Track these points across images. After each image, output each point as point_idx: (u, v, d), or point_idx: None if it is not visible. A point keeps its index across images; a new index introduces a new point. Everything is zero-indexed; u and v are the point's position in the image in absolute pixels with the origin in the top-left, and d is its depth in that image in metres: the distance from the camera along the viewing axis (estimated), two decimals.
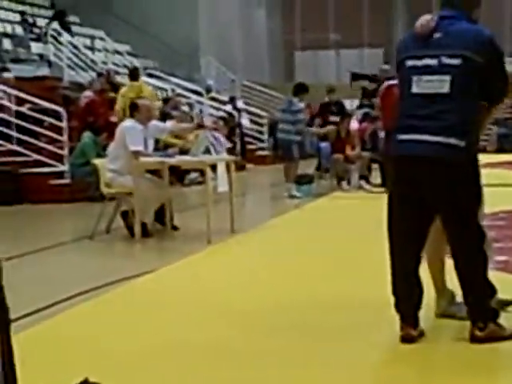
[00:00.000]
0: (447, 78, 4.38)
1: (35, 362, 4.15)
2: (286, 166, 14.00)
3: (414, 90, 4.47)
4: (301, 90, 13.78)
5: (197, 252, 7.90)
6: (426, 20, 4.56)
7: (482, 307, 4.54)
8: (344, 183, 14.31)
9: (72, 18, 23.74)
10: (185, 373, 4.15)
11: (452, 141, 4.33)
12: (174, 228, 9.48)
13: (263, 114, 24.42)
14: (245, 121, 23.20)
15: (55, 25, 21.08)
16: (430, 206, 4.49)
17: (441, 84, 4.39)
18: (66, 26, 21.59)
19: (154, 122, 9.60)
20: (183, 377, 4.09)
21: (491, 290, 4.56)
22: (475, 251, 4.47)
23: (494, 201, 10.49)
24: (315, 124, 15.14)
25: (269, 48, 33.42)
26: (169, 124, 9.98)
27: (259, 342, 4.68)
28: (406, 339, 4.53)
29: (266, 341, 4.68)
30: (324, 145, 14.77)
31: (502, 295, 5.19)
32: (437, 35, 4.47)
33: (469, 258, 4.51)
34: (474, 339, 4.50)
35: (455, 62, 4.38)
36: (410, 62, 4.52)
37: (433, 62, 4.43)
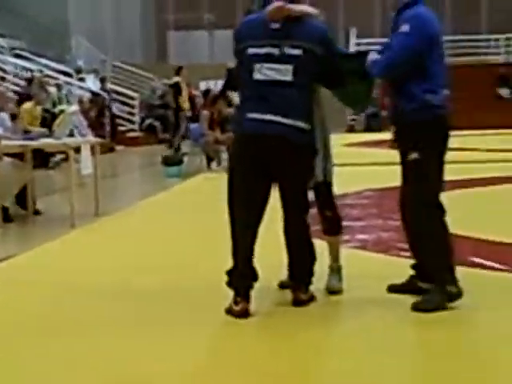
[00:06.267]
0: (289, 67, 4.68)
1: None
2: None
3: (257, 76, 4.71)
4: None
5: (59, 236, 7.72)
6: (278, 7, 4.71)
7: (308, 273, 4.89)
8: (213, 164, 14.29)
9: None
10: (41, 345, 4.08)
11: (299, 124, 4.66)
12: (37, 212, 9.27)
13: (134, 95, 24.11)
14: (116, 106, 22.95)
15: None
16: (270, 180, 4.73)
17: (283, 72, 4.68)
18: None
19: (4, 116, 9.29)
20: (38, 351, 4.02)
21: (314, 256, 4.90)
22: (302, 220, 4.84)
23: (360, 179, 10.74)
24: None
25: (141, 27, 33.02)
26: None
27: (118, 319, 4.66)
28: (242, 313, 4.65)
29: (125, 316, 4.66)
30: (194, 126, 14.70)
31: (359, 273, 5.32)
32: (275, 25, 4.71)
33: (297, 226, 4.84)
34: (298, 302, 4.86)
35: (296, 52, 4.68)
36: (251, 50, 4.73)
37: (274, 50, 4.70)
